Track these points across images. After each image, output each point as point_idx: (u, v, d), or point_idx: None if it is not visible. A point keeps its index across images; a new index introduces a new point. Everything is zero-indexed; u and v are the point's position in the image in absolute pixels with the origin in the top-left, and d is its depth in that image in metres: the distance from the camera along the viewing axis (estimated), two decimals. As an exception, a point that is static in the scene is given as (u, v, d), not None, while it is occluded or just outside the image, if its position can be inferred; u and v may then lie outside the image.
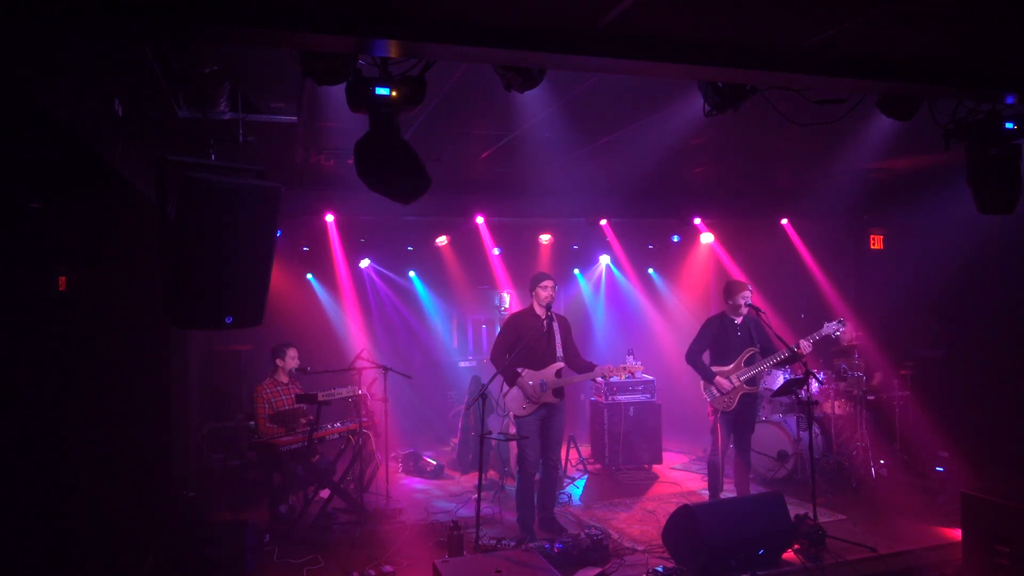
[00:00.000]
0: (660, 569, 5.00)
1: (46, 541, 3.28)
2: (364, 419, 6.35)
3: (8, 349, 2.91)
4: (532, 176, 7.60)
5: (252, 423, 6.55)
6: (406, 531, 5.98)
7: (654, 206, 8.92)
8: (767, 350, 6.10)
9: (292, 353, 6.60)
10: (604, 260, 10.92)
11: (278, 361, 6.56)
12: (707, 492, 6.40)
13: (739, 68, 3.67)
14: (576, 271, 11.13)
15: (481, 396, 5.44)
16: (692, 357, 6.17)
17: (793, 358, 6.00)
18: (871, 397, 7.39)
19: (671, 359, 8.83)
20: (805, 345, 5.88)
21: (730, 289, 6.20)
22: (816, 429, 7.15)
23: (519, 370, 5.81)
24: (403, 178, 3.52)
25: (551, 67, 3.66)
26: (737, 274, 9.31)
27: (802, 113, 4.26)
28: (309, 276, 9.54)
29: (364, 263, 9.56)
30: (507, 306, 8.56)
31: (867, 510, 6.38)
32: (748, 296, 6.08)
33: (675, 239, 10.26)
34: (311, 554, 5.44)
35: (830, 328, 6.11)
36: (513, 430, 6.06)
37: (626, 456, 7.89)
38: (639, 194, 8.61)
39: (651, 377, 8.19)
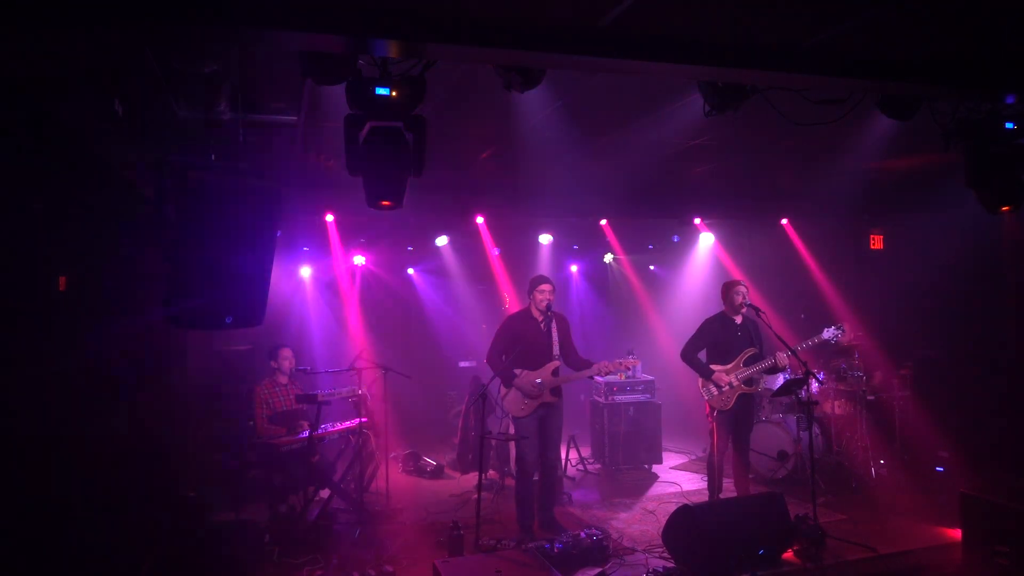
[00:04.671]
0: (660, 569, 5.00)
1: (46, 541, 3.28)
2: (364, 419, 6.35)
3: (8, 348, 2.90)
4: (532, 176, 7.60)
5: (252, 423, 6.56)
6: (406, 531, 5.99)
7: (654, 206, 8.91)
8: (765, 352, 6.09)
9: (285, 354, 6.61)
10: (607, 258, 10.93)
11: (272, 363, 6.58)
12: (707, 492, 6.41)
13: (739, 68, 3.67)
14: (574, 268, 11.13)
15: (481, 396, 5.44)
16: (688, 355, 6.16)
17: (774, 369, 5.98)
18: (871, 397, 7.38)
19: (671, 359, 8.77)
20: (781, 357, 5.87)
21: (726, 288, 6.20)
22: (816, 429, 7.14)
23: (516, 371, 5.81)
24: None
25: (551, 67, 3.66)
26: (737, 274, 9.30)
27: (802, 113, 4.25)
28: (309, 276, 9.53)
29: (360, 259, 9.55)
30: (507, 306, 8.55)
31: (867, 510, 6.37)
32: (744, 292, 6.06)
33: (675, 239, 10.25)
34: (311, 554, 5.43)
35: (829, 334, 6.08)
36: (512, 431, 6.06)
37: (626, 456, 7.89)
38: (639, 194, 8.59)
39: (651, 377, 8.19)
